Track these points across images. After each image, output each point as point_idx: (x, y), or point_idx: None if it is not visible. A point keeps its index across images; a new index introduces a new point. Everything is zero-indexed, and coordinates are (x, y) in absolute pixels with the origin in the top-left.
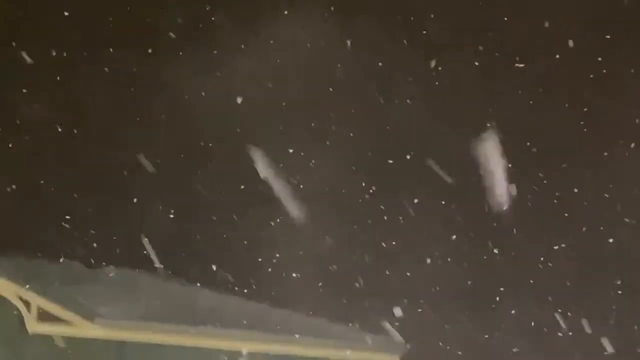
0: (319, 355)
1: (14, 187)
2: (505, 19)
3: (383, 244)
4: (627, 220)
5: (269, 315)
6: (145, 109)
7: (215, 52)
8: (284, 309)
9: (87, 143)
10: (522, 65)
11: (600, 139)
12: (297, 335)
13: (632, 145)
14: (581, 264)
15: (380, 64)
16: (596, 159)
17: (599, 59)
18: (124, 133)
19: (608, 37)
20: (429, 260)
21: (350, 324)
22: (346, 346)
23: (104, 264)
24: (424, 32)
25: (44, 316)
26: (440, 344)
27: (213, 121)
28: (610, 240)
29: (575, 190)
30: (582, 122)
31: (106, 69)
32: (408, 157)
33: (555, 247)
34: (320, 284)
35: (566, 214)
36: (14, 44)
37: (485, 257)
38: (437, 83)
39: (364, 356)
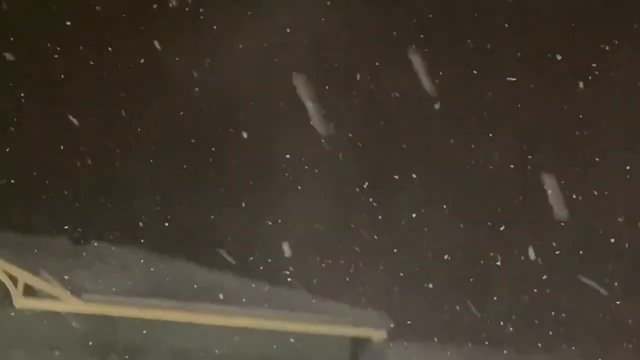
0: (308, 330)
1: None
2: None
3: (375, 236)
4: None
5: (258, 292)
6: (139, 95)
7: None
8: (275, 286)
9: (77, 123)
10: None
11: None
12: (286, 312)
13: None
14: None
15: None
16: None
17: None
18: (117, 117)
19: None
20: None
21: (340, 302)
22: (335, 322)
23: (91, 239)
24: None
25: (31, 292)
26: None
27: (205, 108)
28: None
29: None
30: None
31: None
32: (402, 150)
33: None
34: (313, 268)
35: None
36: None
37: (479, 245)
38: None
39: (352, 331)
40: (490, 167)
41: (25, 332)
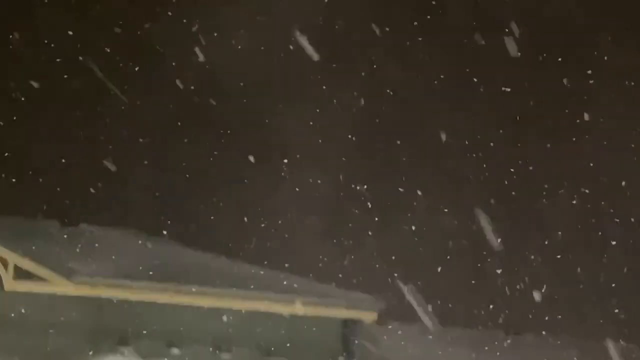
0: (299, 312)
1: None
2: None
3: (370, 232)
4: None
5: (248, 275)
6: (132, 75)
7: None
8: (265, 269)
9: (70, 102)
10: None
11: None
12: (279, 294)
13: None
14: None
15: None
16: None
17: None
18: (109, 97)
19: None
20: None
21: (332, 283)
22: (327, 304)
23: (82, 222)
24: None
25: (21, 274)
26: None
27: (198, 99)
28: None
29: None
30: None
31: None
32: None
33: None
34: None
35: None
36: None
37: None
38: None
39: (344, 313)
40: (485, 166)
41: (16, 315)
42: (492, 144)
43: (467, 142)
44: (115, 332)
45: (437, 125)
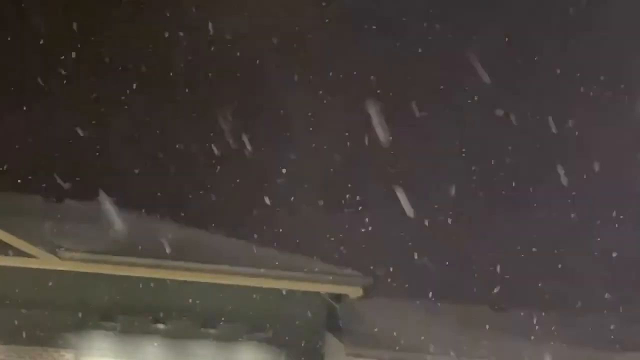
0: (286, 287)
1: None
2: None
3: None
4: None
5: (237, 251)
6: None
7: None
8: (254, 246)
9: (61, 80)
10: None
11: None
12: (266, 269)
13: None
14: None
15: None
16: None
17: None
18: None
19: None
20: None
21: (319, 260)
22: (313, 279)
23: (67, 197)
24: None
25: (7, 249)
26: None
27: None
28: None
29: None
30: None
31: None
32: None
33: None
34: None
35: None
36: None
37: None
38: None
39: (329, 288)
40: (476, 163)
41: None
42: (485, 141)
43: (457, 142)
44: (100, 308)
45: (431, 123)
